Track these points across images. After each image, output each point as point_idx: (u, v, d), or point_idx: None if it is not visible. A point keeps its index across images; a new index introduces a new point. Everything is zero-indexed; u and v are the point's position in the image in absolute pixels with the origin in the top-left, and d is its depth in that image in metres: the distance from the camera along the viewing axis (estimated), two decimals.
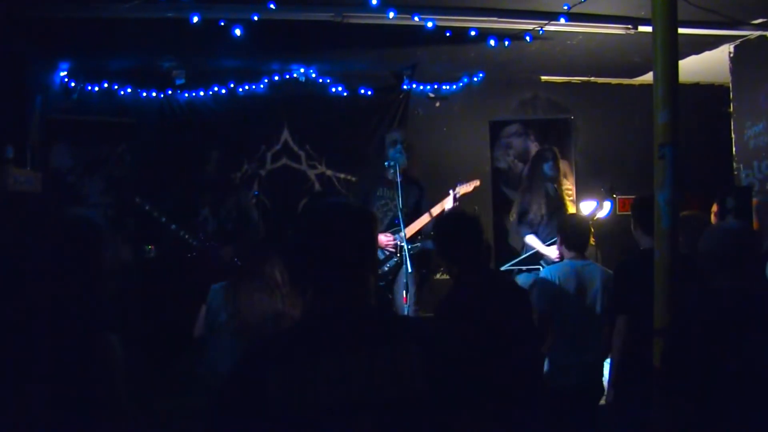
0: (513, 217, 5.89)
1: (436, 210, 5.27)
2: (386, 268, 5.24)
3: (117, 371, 2.02)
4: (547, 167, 5.77)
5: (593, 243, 6.77)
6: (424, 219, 5.24)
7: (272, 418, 1.57)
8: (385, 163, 5.39)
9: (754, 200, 4.51)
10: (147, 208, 5.89)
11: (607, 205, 6.70)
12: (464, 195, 5.49)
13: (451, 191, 5.39)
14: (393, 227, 5.32)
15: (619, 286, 3.80)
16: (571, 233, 4.11)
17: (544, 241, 5.48)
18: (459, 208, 5.28)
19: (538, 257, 5.48)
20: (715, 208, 4.82)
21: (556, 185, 5.79)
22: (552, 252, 5.35)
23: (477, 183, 5.53)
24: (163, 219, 5.89)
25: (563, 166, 7.40)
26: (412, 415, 1.62)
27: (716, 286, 2.62)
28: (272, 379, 1.60)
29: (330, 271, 1.73)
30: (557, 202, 5.68)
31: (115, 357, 2.02)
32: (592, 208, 6.50)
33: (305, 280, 1.77)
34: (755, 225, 4.43)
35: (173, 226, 5.82)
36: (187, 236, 5.78)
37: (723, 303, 2.53)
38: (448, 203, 5.34)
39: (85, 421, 1.94)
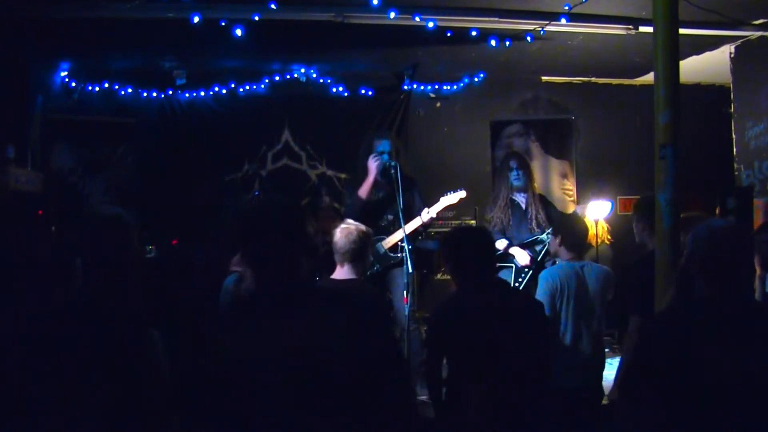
0: (486, 222, 5.78)
1: (425, 216, 5.17)
2: (376, 269, 5.20)
3: (160, 367, 2.07)
4: (513, 177, 5.57)
5: (608, 242, 6.78)
6: (415, 224, 5.15)
7: (219, 370, 1.92)
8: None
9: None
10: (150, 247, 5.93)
11: (605, 205, 6.72)
12: (449, 207, 5.29)
13: (426, 209, 5.17)
14: (381, 233, 5.23)
15: (630, 286, 3.79)
16: (570, 234, 4.08)
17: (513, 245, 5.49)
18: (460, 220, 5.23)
19: (507, 257, 5.47)
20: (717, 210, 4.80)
21: (527, 194, 5.58)
22: (521, 256, 5.42)
23: (463, 195, 5.35)
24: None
25: (563, 166, 7.42)
26: (333, 366, 1.92)
27: (697, 294, 2.29)
28: (221, 336, 1.97)
29: (263, 253, 2.05)
30: (526, 211, 5.54)
31: (157, 353, 2.07)
32: (608, 210, 6.47)
33: (246, 261, 2.12)
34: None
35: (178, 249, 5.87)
36: (195, 257, 5.81)
37: (700, 315, 2.21)
38: (431, 214, 5.16)
39: (129, 416, 1.98)
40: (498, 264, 5.33)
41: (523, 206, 5.59)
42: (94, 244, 2.21)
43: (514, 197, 5.62)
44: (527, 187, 5.61)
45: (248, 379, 1.90)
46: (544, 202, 5.72)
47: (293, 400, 1.89)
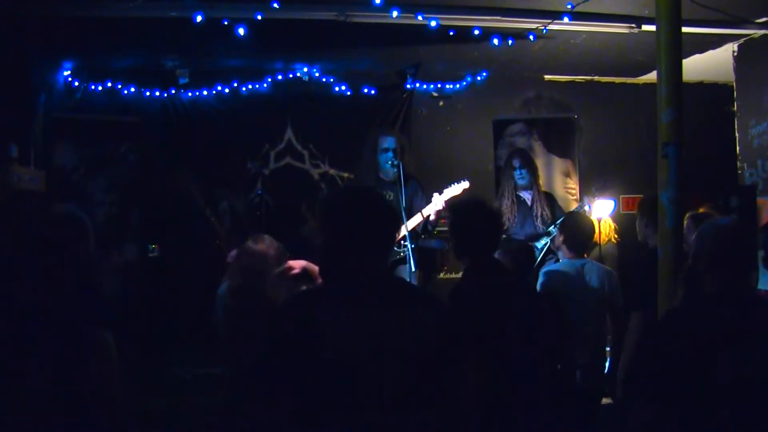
0: None
1: (426, 211, 5.21)
2: None
3: (111, 368, 2.00)
4: (517, 176, 5.64)
5: (615, 241, 6.79)
6: (416, 219, 5.19)
7: (320, 354, 1.89)
8: (381, 166, 5.38)
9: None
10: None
11: (608, 204, 6.72)
12: (452, 198, 5.27)
13: (437, 194, 5.26)
14: None
15: (633, 282, 3.80)
16: (573, 234, 4.07)
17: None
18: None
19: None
20: (703, 209, 4.80)
21: (532, 191, 5.65)
22: None
23: (466, 185, 5.38)
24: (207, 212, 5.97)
25: (566, 165, 7.41)
26: (427, 361, 1.98)
27: (705, 291, 2.33)
28: (323, 320, 1.93)
29: (369, 246, 2.07)
30: (532, 208, 5.60)
31: (108, 354, 2.00)
32: (611, 208, 6.47)
33: (338, 251, 2.08)
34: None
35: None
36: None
37: (708, 312, 2.26)
38: (434, 207, 5.20)
39: (78, 418, 1.93)
40: None
41: (529, 203, 5.63)
42: (39, 243, 2.12)
43: (519, 194, 5.65)
44: (532, 185, 5.65)
45: (352, 370, 1.91)
46: (550, 200, 5.74)
47: (393, 393, 1.92)
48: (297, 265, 3.68)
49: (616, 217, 6.95)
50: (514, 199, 5.62)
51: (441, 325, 2.04)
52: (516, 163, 5.67)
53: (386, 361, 1.93)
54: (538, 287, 3.97)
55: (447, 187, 5.32)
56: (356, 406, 1.91)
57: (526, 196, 5.66)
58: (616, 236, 6.86)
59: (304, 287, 3.67)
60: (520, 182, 5.63)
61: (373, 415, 1.91)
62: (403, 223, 4.87)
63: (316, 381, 1.90)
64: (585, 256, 4.14)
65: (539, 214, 5.56)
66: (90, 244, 2.20)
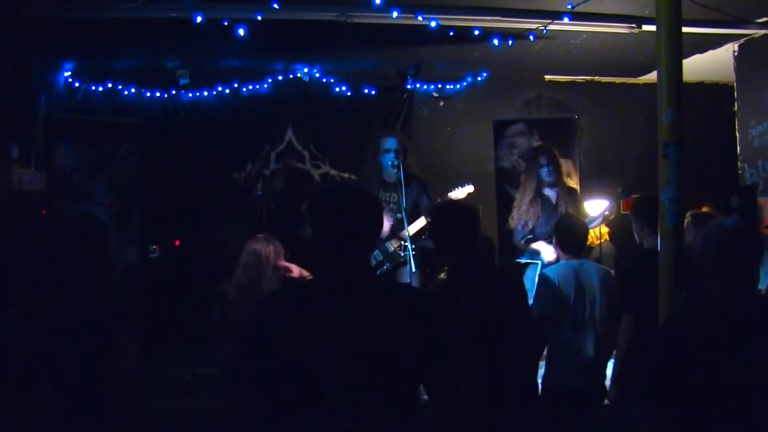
0: (513, 220, 5.74)
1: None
2: (386, 267, 5.22)
3: (136, 383, 1.90)
4: (544, 173, 5.56)
5: (608, 239, 6.76)
6: (422, 222, 5.19)
7: (282, 358, 1.89)
8: (383, 166, 5.39)
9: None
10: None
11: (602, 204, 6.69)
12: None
13: (439, 200, 5.25)
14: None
15: (624, 284, 3.78)
16: (564, 235, 4.08)
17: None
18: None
19: (534, 254, 5.46)
20: (705, 208, 4.79)
21: (557, 189, 5.57)
22: (547, 251, 5.38)
23: (471, 189, 5.37)
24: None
25: (567, 165, 7.40)
26: (397, 363, 1.94)
27: (709, 293, 2.31)
28: (286, 323, 1.92)
29: (341, 244, 2.04)
30: (557, 206, 5.55)
31: (134, 368, 1.90)
32: (603, 208, 6.47)
33: (319, 250, 2.07)
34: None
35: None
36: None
37: (713, 313, 2.23)
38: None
39: (98, 425, 1.83)
40: (526, 261, 5.33)
41: (554, 201, 5.54)
42: (56, 246, 1.99)
43: (544, 192, 5.59)
44: (557, 182, 5.58)
45: (315, 370, 1.89)
46: (573, 196, 5.67)
47: (358, 394, 1.89)
48: (295, 269, 3.70)
49: (617, 218, 6.94)
50: (537, 198, 5.55)
51: (421, 323, 1.99)
52: (543, 160, 5.57)
53: (353, 361, 1.89)
54: (538, 289, 3.98)
55: (452, 190, 5.32)
56: (323, 407, 1.89)
57: (551, 193, 5.55)
58: (607, 231, 6.83)
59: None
60: (547, 179, 5.54)
61: (341, 415, 1.89)
62: (384, 223, 4.88)
63: (281, 381, 1.90)
64: (581, 256, 4.14)
65: (564, 211, 5.48)
66: (111, 246, 2.12)
